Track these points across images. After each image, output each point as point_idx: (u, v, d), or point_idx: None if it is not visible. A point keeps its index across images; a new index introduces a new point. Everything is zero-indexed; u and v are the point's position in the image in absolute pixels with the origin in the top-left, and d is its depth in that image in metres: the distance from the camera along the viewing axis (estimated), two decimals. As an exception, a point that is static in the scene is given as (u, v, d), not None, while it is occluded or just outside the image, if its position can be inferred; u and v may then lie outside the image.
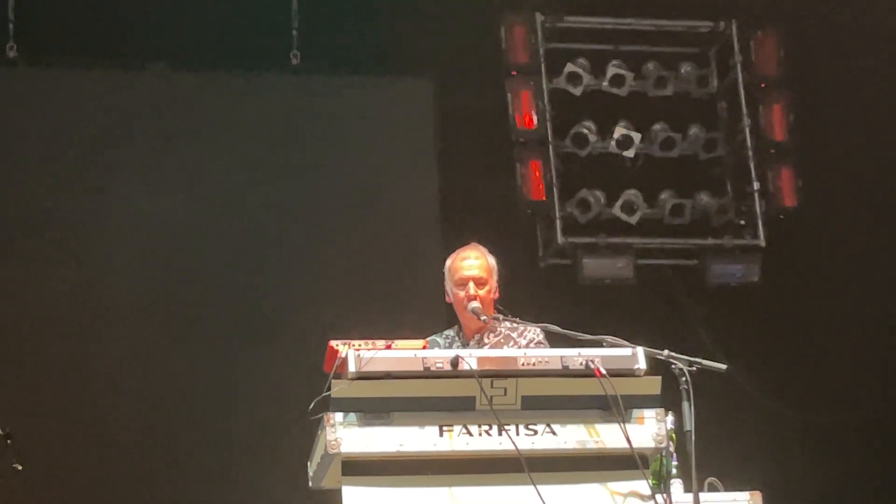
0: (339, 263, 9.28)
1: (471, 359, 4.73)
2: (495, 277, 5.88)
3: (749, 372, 9.27)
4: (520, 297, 6.13)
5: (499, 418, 4.71)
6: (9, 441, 7.19)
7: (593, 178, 10.01)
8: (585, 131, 9.97)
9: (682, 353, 4.99)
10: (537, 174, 9.88)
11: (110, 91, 9.36)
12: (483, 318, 5.70)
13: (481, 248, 5.96)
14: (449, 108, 9.86)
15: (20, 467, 7.13)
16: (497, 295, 5.87)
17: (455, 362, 4.70)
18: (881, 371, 9.83)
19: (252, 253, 9.30)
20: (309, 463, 5.04)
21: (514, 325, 5.74)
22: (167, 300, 9.14)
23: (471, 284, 5.79)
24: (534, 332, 5.74)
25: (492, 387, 4.73)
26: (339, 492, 4.73)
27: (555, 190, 9.92)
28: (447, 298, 5.93)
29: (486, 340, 5.79)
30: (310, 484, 5.07)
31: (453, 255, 5.95)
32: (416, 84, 9.97)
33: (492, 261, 5.91)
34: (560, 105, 10.01)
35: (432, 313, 7.83)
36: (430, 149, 9.86)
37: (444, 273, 5.97)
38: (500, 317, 5.74)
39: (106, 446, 8.83)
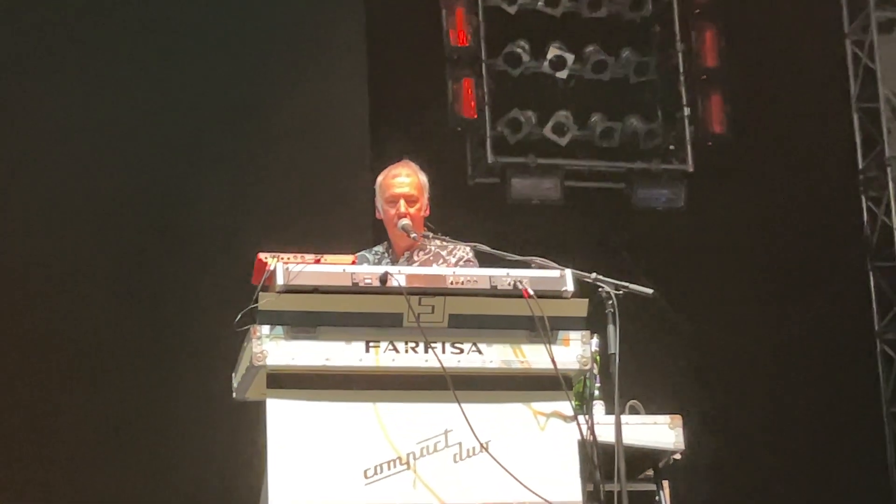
0: (268, 177, 9.21)
1: (399, 276, 4.71)
2: (426, 195, 5.85)
3: (672, 296, 9.35)
4: (448, 215, 6.12)
5: (426, 336, 4.71)
6: None
7: (525, 97, 10.02)
8: (519, 51, 9.95)
9: (608, 276, 5.03)
10: (469, 92, 9.86)
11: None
12: (413, 235, 5.68)
13: (413, 165, 5.92)
14: (381, 22, 9.77)
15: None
16: (428, 213, 5.85)
17: (384, 279, 4.68)
18: (799, 296, 9.98)
19: (180, 164, 9.19)
20: (234, 374, 5.02)
21: (444, 243, 5.73)
22: (93, 206, 9.03)
23: (402, 202, 5.76)
24: (463, 250, 5.74)
25: (419, 304, 4.72)
26: (263, 403, 4.72)
27: (486, 108, 9.91)
28: (377, 214, 5.91)
29: (415, 258, 5.78)
30: (234, 395, 5.05)
31: (385, 172, 5.91)
32: (347, -3, 9.88)
33: (423, 178, 5.88)
34: (494, 23, 9.98)
35: (359, 229, 7.83)
36: (362, 64, 9.78)
37: (374, 189, 5.94)
38: (430, 235, 5.73)
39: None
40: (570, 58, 10.02)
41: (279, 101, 9.35)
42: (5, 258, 8.85)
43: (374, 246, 5.98)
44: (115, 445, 8.71)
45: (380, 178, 5.91)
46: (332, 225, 8.54)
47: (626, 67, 10.17)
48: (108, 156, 9.09)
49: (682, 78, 10.27)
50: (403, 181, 5.82)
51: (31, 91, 9.01)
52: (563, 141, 9.96)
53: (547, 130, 9.95)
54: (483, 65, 9.93)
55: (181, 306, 8.81)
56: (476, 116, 9.90)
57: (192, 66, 9.36)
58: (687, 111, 10.25)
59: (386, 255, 5.86)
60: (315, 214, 8.89)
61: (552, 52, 9.98)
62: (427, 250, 5.81)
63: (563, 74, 10.03)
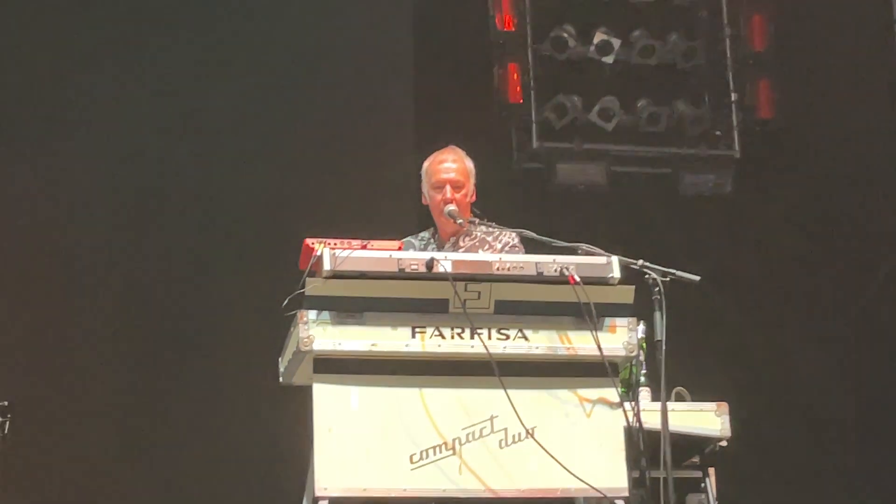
0: (314, 163, 9.21)
1: (446, 262, 4.73)
2: (472, 181, 5.85)
3: (719, 283, 9.30)
4: (492, 201, 6.11)
5: (471, 321, 4.73)
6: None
7: (571, 82, 9.97)
8: (565, 35, 9.90)
9: (653, 261, 5.01)
10: (515, 77, 9.83)
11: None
12: (459, 221, 5.67)
13: (459, 150, 5.92)
14: (427, 8, 9.76)
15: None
16: (474, 198, 5.84)
17: (430, 264, 4.70)
18: (848, 283, 9.91)
19: (225, 152, 9.22)
20: (280, 359, 5.05)
21: (490, 229, 5.73)
22: (137, 194, 9.08)
23: (448, 188, 5.76)
24: (509, 236, 5.73)
25: (465, 290, 4.74)
26: (309, 388, 4.75)
27: (532, 93, 9.88)
28: (423, 200, 5.90)
29: (461, 244, 5.78)
30: (280, 380, 5.09)
31: (431, 158, 5.90)
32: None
33: (469, 164, 5.88)
34: (540, 8, 9.93)
35: (404, 215, 7.83)
36: (407, 49, 9.77)
37: (420, 175, 5.94)
38: (476, 220, 5.72)
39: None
40: (616, 42, 9.96)
41: (324, 87, 9.35)
42: (41, 246, 8.92)
43: (421, 232, 5.98)
44: (161, 430, 8.76)
45: (426, 164, 5.91)
46: (377, 211, 8.55)
47: (674, 52, 10.10)
48: (153, 144, 9.12)
49: (729, 63, 10.20)
50: (450, 167, 5.82)
51: (78, 80, 9.07)
52: (609, 126, 9.91)
53: (593, 115, 9.90)
54: (529, 50, 9.89)
55: (228, 292, 8.84)
56: (521, 102, 9.87)
57: (238, 54, 9.38)
58: (734, 96, 10.17)
59: (432, 240, 5.86)
60: (360, 200, 8.89)
61: (598, 36, 9.93)
62: (473, 236, 5.80)
63: (609, 59, 9.98)
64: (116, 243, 8.97)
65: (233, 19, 9.42)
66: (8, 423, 7.00)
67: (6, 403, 7.05)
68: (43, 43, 9.07)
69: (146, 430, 8.72)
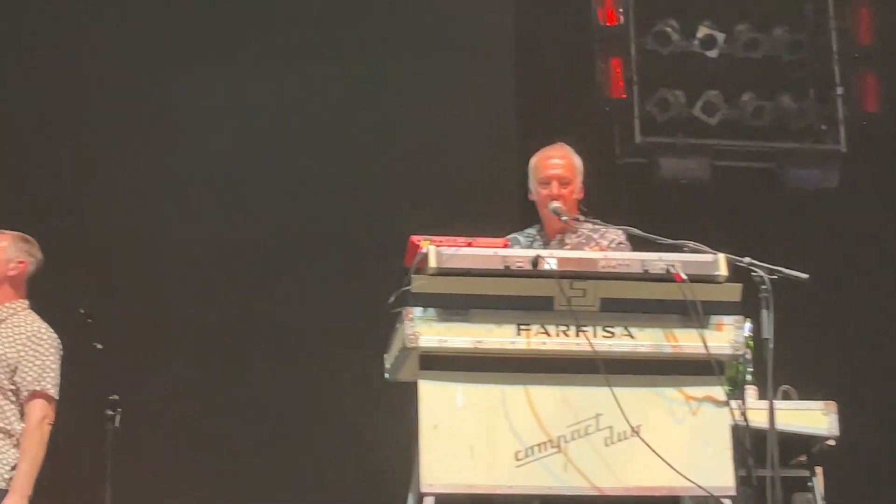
0: (418, 160, 9.26)
1: (551, 259, 4.73)
2: (580, 177, 5.82)
3: (825, 280, 9.19)
4: (595, 196, 6.09)
5: (577, 319, 4.72)
6: (89, 320, 7.29)
7: (674, 77, 9.90)
8: (668, 29, 9.84)
9: (757, 257, 4.97)
10: (618, 71, 9.79)
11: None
12: (564, 218, 5.64)
13: (567, 147, 5.90)
14: (529, 2, 9.76)
15: (100, 346, 7.24)
16: (581, 195, 5.82)
17: (535, 262, 4.70)
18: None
19: (333, 148, 9.30)
20: (386, 355, 5.09)
21: (596, 226, 5.71)
22: (246, 189, 9.20)
23: (554, 183, 5.74)
24: (616, 233, 5.70)
25: (571, 288, 4.73)
26: (414, 385, 4.77)
27: (635, 88, 9.83)
28: (531, 196, 5.89)
29: (567, 241, 5.75)
30: (386, 376, 5.12)
31: (538, 154, 5.88)
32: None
33: (577, 161, 5.85)
34: (644, 2, 9.88)
35: (507, 212, 7.84)
36: (509, 45, 9.78)
37: (525, 172, 5.93)
38: (582, 217, 5.70)
39: (175, 321, 8.97)
40: (720, 36, 9.88)
41: (428, 83, 9.38)
42: (145, 243, 9.06)
43: (527, 228, 5.97)
44: (268, 425, 8.86)
45: (533, 160, 5.89)
46: (480, 208, 8.56)
47: (778, 45, 9.99)
48: (254, 139, 9.23)
49: (835, 56, 10.07)
50: (557, 162, 5.79)
51: (194, 77, 9.21)
52: (713, 120, 9.84)
53: (696, 110, 9.83)
54: (632, 44, 9.85)
55: (334, 289, 8.92)
56: (624, 96, 9.83)
57: (340, 49, 9.45)
58: (840, 90, 10.04)
59: (538, 237, 5.85)
60: (464, 197, 8.91)
61: (702, 30, 9.86)
62: (579, 233, 5.78)
63: (713, 53, 9.90)
64: (220, 240, 9.08)
65: (335, 14, 9.49)
66: (119, 416, 7.14)
67: (117, 397, 7.18)
68: (136, 38, 9.22)
69: (253, 425, 8.83)
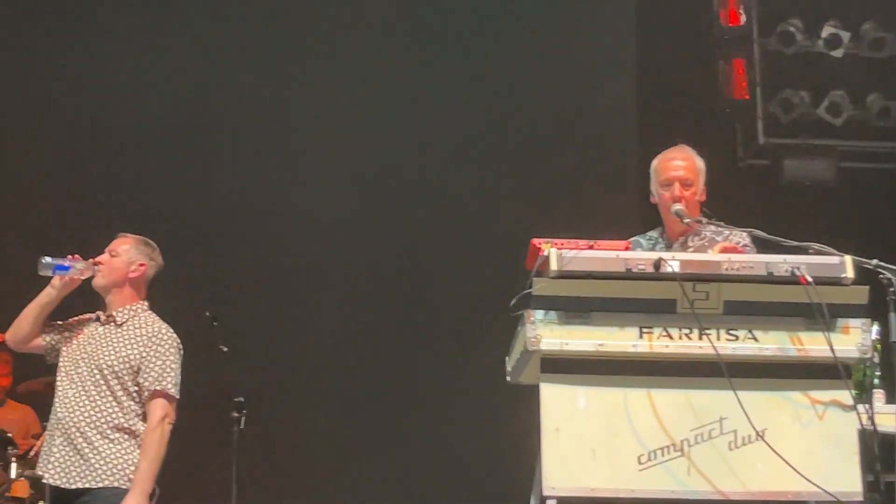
0: (539, 163, 9.27)
1: (673, 262, 4.69)
2: (702, 179, 5.75)
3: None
4: (718, 198, 6.04)
5: (700, 322, 4.68)
6: (215, 323, 7.41)
7: (798, 77, 9.79)
8: (792, 29, 9.73)
9: (884, 260, 4.89)
10: (740, 72, 9.70)
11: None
12: (686, 220, 5.59)
13: (689, 149, 5.83)
14: (651, 4, 9.71)
15: (226, 349, 7.35)
16: (703, 197, 5.75)
17: (657, 265, 4.66)
18: None
19: (452, 152, 9.34)
20: (507, 358, 5.08)
21: (720, 228, 5.65)
22: (366, 196, 9.28)
23: (676, 185, 5.68)
24: (739, 236, 5.63)
25: (694, 290, 4.69)
26: (536, 388, 4.76)
27: (758, 89, 9.74)
28: (652, 199, 5.84)
29: (690, 243, 5.69)
30: (507, 378, 5.11)
31: (660, 156, 5.83)
32: (617, -24, 9.86)
33: (699, 162, 5.78)
34: (767, 2, 9.78)
35: (628, 214, 7.80)
36: (630, 46, 9.74)
37: (647, 174, 5.89)
38: (704, 220, 5.64)
39: (310, 322, 9.07)
40: (845, 36, 9.75)
41: (548, 86, 9.39)
42: (278, 240, 9.17)
43: (649, 231, 5.92)
44: (391, 426, 8.92)
45: (655, 162, 5.83)
46: (601, 210, 8.54)
47: (906, 45, 9.85)
48: (381, 145, 9.31)
49: (964, 54, 9.89)
50: (679, 164, 5.73)
51: (315, 82, 9.31)
52: (838, 121, 9.71)
53: (821, 110, 9.72)
54: (755, 44, 9.75)
55: (456, 292, 8.96)
56: (747, 97, 9.75)
57: (462, 53, 9.49)
58: (969, 89, 9.85)
59: (660, 240, 5.80)
60: (586, 200, 8.90)
61: (827, 30, 9.73)
62: (702, 236, 5.71)
63: (838, 53, 9.77)
64: (344, 243, 9.18)
65: (458, 18, 9.53)
66: (244, 418, 7.24)
67: (241, 399, 7.29)
68: (272, 42, 9.35)
69: (376, 427, 8.90)
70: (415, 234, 9.20)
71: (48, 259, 5.90)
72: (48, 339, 6.10)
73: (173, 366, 5.97)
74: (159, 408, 5.91)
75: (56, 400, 6.01)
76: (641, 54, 9.73)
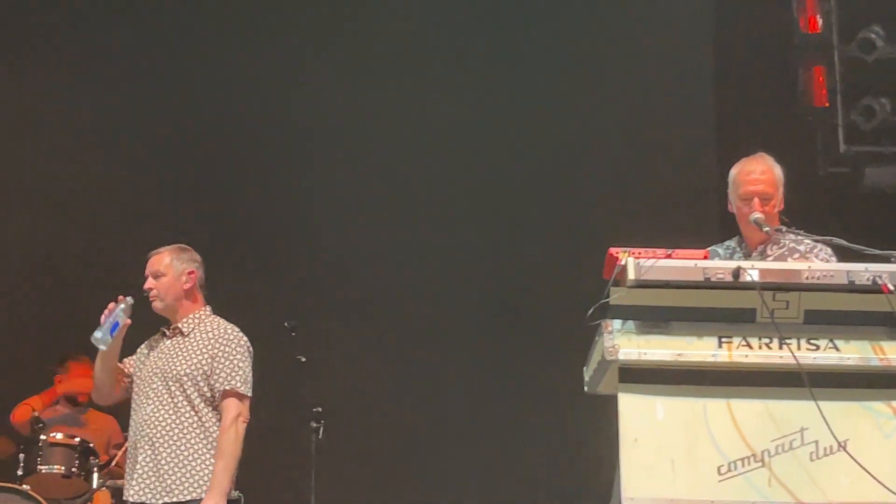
0: (616, 172, 9.25)
1: (753, 270, 4.65)
2: (781, 190, 5.68)
3: None
4: (798, 206, 5.98)
5: (780, 331, 4.64)
6: (294, 333, 7.46)
7: (879, 84, 9.67)
8: (873, 36, 9.62)
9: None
10: (820, 80, 9.60)
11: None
12: (765, 229, 5.53)
13: (768, 159, 5.74)
14: (728, 8, 9.65)
15: (304, 359, 7.40)
16: (782, 207, 5.70)
17: (736, 273, 4.63)
18: None
19: (527, 161, 9.35)
20: (585, 368, 5.07)
21: (799, 237, 5.59)
22: (445, 204, 9.31)
23: (756, 200, 5.61)
24: (820, 246, 5.58)
25: (774, 300, 4.65)
26: (614, 398, 4.75)
27: (838, 96, 9.63)
28: (730, 208, 5.79)
29: (769, 252, 5.63)
30: (585, 388, 5.10)
31: (738, 166, 5.75)
32: (695, -19, 9.82)
33: (778, 172, 5.70)
34: (846, 8, 9.67)
35: (707, 223, 7.75)
36: (708, 51, 9.69)
37: (725, 182, 5.83)
38: (784, 229, 5.59)
39: (382, 333, 9.12)
40: (929, 42, 9.64)
41: (627, 96, 9.36)
42: (356, 252, 9.23)
43: (725, 240, 5.88)
44: (469, 436, 8.94)
45: (733, 172, 5.76)
46: (679, 219, 8.50)
47: None
48: (464, 155, 9.34)
49: None
50: (758, 178, 5.64)
51: (393, 90, 9.36)
52: (921, 128, 9.61)
53: (902, 117, 9.61)
54: (835, 52, 9.65)
55: (533, 301, 8.96)
56: (827, 105, 9.65)
57: (541, 63, 9.50)
58: None
59: (738, 249, 5.74)
60: (663, 208, 8.86)
61: (909, 35, 9.63)
62: (781, 244, 5.66)
63: (921, 59, 9.66)
64: (425, 255, 9.20)
65: (536, 27, 9.54)
66: (322, 427, 7.28)
67: (320, 410, 7.33)
68: (352, 54, 9.42)
69: (454, 437, 8.91)
70: (495, 244, 9.21)
71: (98, 334, 5.88)
72: (127, 381, 6.14)
73: (241, 364, 5.96)
74: (232, 407, 5.90)
75: (132, 418, 6.04)
76: (720, 62, 9.67)
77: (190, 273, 6.11)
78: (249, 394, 5.96)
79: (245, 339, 6.06)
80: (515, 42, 9.53)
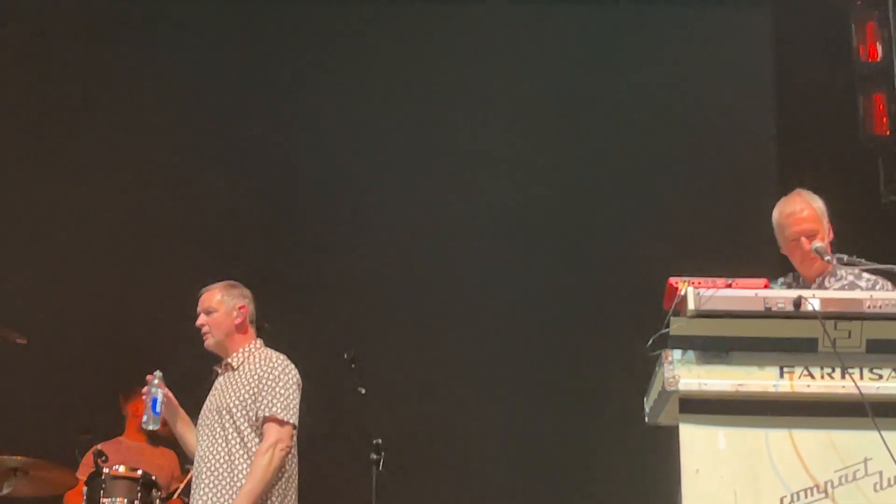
0: (676, 201, 9.23)
1: (814, 300, 4.63)
2: (825, 221, 5.65)
3: None
4: (859, 235, 5.94)
5: (842, 361, 4.61)
6: (353, 365, 7.48)
7: (940, 111, 9.59)
8: (934, 63, 9.55)
9: None
10: (881, 108, 9.52)
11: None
12: (827, 258, 5.51)
13: (805, 195, 5.71)
14: (787, 38, 9.62)
15: (364, 391, 7.41)
16: (832, 236, 5.67)
17: (798, 302, 4.60)
18: None
19: (590, 191, 9.35)
20: (645, 399, 5.06)
21: (859, 271, 5.52)
22: (510, 230, 9.34)
23: (803, 240, 5.60)
24: (881, 283, 5.49)
25: (835, 329, 4.62)
26: (675, 429, 4.73)
27: (900, 124, 9.55)
28: (781, 250, 5.79)
29: (826, 284, 5.62)
30: (646, 420, 5.09)
31: (779, 207, 5.74)
32: (754, 12, 9.78)
33: (819, 205, 5.67)
34: (907, 36, 9.61)
35: (767, 253, 7.70)
36: (768, 81, 9.66)
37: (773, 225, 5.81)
38: (845, 257, 5.55)
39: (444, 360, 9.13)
40: None
41: (686, 124, 9.35)
42: (416, 283, 9.25)
43: (779, 277, 5.85)
44: (529, 468, 8.91)
45: (776, 216, 5.75)
46: (740, 249, 8.44)
47: None
48: (525, 186, 9.37)
49: None
50: (800, 217, 5.64)
51: (460, 122, 9.43)
52: (984, 155, 9.49)
53: (964, 145, 9.50)
54: (895, 79, 9.58)
55: (592, 331, 8.94)
56: (888, 133, 9.57)
57: (600, 96, 9.51)
58: None
59: (794, 284, 5.73)
60: (724, 238, 8.83)
61: (970, 62, 9.53)
62: (839, 276, 5.62)
63: (982, 86, 9.56)
64: (482, 285, 9.22)
65: (598, 58, 9.56)
66: (382, 459, 7.28)
67: (380, 441, 7.33)
68: (433, 87, 9.49)
69: (514, 467, 8.89)
70: (553, 273, 9.21)
71: (145, 417, 6.12)
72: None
73: (283, 391, 6.00)
74: (272, 433, 5.94)
75: (195, 455, 6.15)
76: (781, 91, 9.63)
77: (241, 308, 6.21)
78: (291, 420, 6.01)
79: (292, 367, 6.12)
80: (573, 71, 9.55)
